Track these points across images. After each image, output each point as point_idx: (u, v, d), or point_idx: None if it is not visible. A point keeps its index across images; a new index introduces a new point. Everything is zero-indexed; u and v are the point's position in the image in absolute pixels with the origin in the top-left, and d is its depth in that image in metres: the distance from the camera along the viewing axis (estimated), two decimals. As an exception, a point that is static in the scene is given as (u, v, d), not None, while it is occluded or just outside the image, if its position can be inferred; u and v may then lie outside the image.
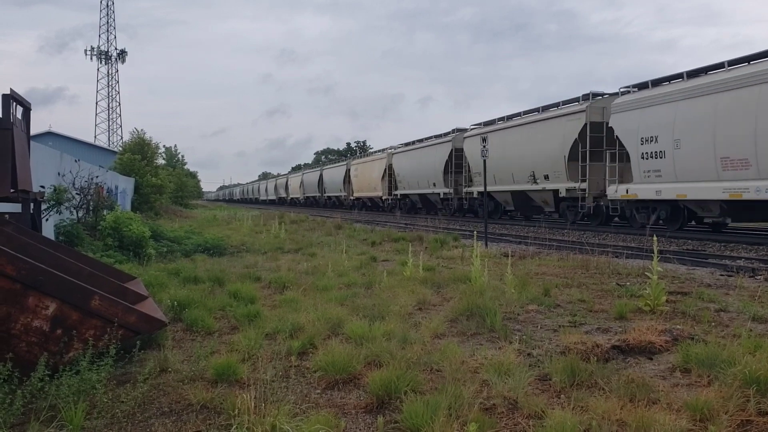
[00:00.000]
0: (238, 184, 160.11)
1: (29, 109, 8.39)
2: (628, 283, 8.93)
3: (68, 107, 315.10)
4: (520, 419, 3.97)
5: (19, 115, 7.80)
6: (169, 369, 5.06)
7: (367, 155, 56.46)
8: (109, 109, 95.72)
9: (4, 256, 4.65)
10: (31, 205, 8.07)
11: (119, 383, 4.67)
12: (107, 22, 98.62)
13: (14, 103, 7.42)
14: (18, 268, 4.67)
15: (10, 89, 7.33)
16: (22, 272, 4.68)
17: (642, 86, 20.10)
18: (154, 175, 33.03)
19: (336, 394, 4.62)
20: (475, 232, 11.76)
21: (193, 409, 4.27)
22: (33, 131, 9.14)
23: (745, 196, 15.71)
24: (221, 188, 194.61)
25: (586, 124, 22.16)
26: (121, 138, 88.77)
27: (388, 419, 4.03)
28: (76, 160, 16.07)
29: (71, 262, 6.57)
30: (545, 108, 25.81)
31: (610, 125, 21.02)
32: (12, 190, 7.20)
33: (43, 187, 10.82)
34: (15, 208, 7.79)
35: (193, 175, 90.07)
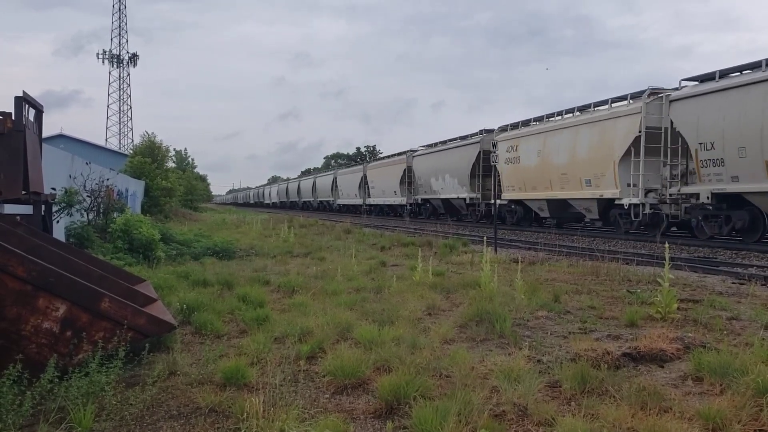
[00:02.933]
0: (248, 188, 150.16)
1: (41, 112, 8.45)
2: (638, 290, 8.87)
3: (82, 110, 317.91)
4: (530, 426, 3.94)
5: (31, 118, 7.84)
6: (178, 372, 5.06)
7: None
8: (120, 112, 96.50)
9: (15, 257, 4.67)
10: (43, 206, 8.12)
11: (128, 386, 4.66)
12: (119, 26, 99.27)
13: (27, 106, 7.47)
14: (29, 269, 4.69)
15: (23, 91, 7.38)
16: (33, 274, 4.69)
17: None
18: (164, 178, 33.17)
19: (345, 398, 4.60)
20: (485, 238, 11.72)
21: (202, 412, 4.26)
22: (45, 134, 9.19)
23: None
24: (231, 191, 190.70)
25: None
26: (132, 141, 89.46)
27: (397, 425, 4.01)
28: (87, 163, 16.18)
29: (81, 264, 6.59)
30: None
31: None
32: (24, 192, 7.24)
33: (54, 189, 10.88)
34: (26, 209, 7.84)
35: (202, 179, 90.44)
